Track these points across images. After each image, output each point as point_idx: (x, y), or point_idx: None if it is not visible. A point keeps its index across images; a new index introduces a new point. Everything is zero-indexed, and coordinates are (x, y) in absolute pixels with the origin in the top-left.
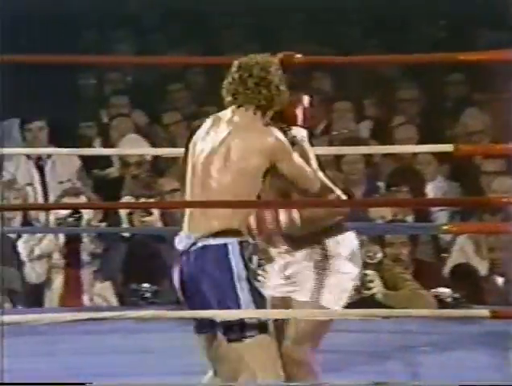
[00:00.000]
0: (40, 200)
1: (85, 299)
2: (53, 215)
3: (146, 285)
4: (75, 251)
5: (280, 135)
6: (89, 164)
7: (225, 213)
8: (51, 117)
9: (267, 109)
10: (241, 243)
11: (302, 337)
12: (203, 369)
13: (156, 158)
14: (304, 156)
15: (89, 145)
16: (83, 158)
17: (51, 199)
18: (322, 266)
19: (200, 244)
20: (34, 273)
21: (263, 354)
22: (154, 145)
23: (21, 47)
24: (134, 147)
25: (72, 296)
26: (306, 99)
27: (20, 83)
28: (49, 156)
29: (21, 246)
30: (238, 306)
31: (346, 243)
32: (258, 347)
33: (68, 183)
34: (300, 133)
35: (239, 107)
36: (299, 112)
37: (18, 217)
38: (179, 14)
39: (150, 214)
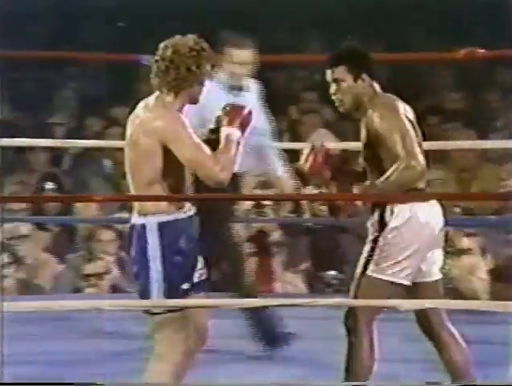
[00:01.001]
0: None
1: (277, 286)
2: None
3: (332, 272)
4: (265, 240)
5: (177, 119)
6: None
7: (139, 194)
8: None
9: (179, 91)
10: (159, 223)
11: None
12: (397, 357)
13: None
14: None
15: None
16: None
17: (247, 190)
18: (374, 239)
19: (130, 224)
20: None
21: (170, 331)
22: (342, 139)
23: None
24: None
25: (264, 283)
26: (246, 109)
27: None
28: None
29: None
30: (148, 284)
31: (402, 213)
32: (167, 324)
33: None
34: (227, 131)
35: (160, 90)
36: (235, 117)
37: None
38: (369, 11)
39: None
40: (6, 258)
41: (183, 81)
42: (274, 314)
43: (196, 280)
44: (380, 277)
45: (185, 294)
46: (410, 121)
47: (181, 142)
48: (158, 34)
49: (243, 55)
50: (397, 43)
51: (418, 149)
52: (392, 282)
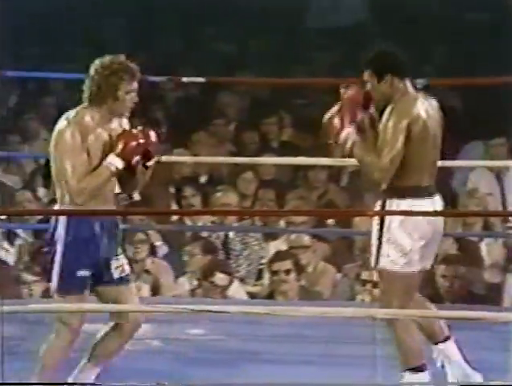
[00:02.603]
0: (499, 209)
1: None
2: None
3: None
4: None
5: (73, 130)
6: None
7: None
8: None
9: (95, 105)
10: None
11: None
12: None
13: None
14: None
15: None
16: None
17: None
18: (378, 233)
19: None
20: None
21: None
22: None
23: None
24: None
25: None
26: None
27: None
28: (508, 169)
29: (483, 249)
30: (52, 263)
31: (402, 207)
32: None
33: None
34: (110, 158)
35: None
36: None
37: (478, 223)
38: None
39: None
40: (288, 265)
41: (96, 96)
42: None
43: (116, 275)
44: (393, 269)
45: (82, 281)
46: (423, 122)
47: (60, 151)
48: (432, 59)
49: None
50: None
51: (396, 158)
52: (405, 272)
